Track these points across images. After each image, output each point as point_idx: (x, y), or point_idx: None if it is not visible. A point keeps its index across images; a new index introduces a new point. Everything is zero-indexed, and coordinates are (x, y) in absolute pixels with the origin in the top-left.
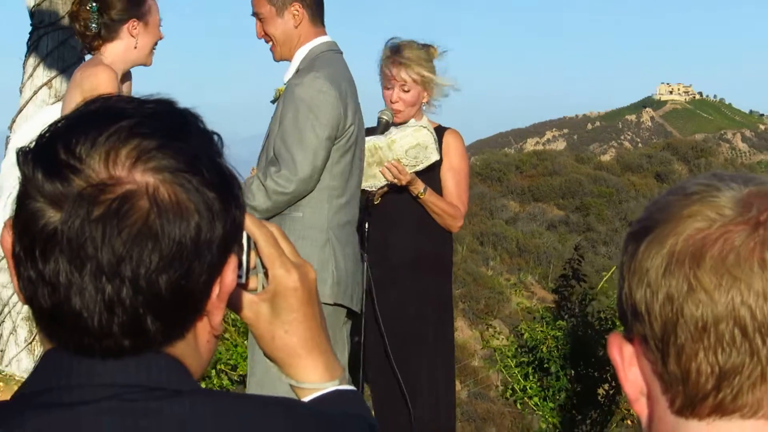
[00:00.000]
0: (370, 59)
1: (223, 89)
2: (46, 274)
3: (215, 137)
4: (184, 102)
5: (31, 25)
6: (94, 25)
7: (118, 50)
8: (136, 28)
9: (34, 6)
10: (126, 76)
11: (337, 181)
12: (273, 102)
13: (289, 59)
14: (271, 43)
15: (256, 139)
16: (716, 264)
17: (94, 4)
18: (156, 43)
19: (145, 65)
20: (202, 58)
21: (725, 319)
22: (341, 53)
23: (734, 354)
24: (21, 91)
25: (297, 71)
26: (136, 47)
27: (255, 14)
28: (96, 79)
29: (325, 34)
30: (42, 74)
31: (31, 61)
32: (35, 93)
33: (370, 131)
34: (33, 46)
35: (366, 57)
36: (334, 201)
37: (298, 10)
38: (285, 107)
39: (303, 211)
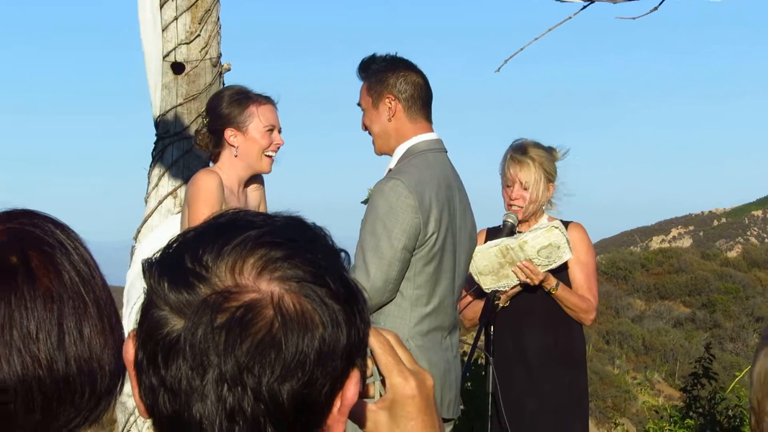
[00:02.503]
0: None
1: (319, 185)
2: (167, 380)
3: (342, 254)
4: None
5: (156, 134)
6: (204, 137)
7: (225, 159)
8: (235, 137)
9: (159, 116)
10: (255, 180)
11: (421, 289)
12: (364, 203)
13: (389, 154)
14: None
15: (348, 241)
16: None
17: (207, 118)
18: (269, 150)
19: (262, 172)
20: (297, 152)
21: None
22: (444, 152)
23: None
24: (146, 201)
25: (389, 171)
26: (236, 155)
27: (358, 105)
28: (194, 186)
29: (428, 130)
30: (167, 184)
31: (156, 170)
32: (160, 203)
33: (492, 231)
34: (158, 155)
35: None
36: (417, 310)
37: (391, 102)
38: (366, 213)
39: (384, 319)
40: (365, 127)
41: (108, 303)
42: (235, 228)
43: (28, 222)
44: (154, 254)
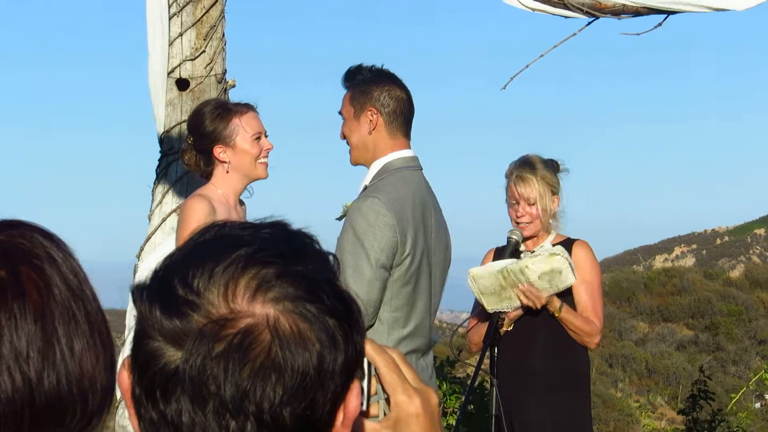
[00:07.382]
0: None
1: (292, 200)
2: (168, 415)
3: (330, 258)
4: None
5: (160, 152)
6: (192, 157)
7: (219, 175)
8: (224, 152)
9: (163, 133)
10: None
11: (398, 312)
12: (339, 219)
13: (365, 165)
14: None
15: None
16: None
17: (191, 138)
18: (260, 157)
19: (259, 179)
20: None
21: None
22: (420, 169)
23: None
24: (149, 219)
25: (365, 188)
26: (228, 171)
27: (339, 113)
28: (183, 213)
29: (406, 147)
30: (171, 201)
31: (160, 188)
32: (164, 220)
33: (500, 251)
34: (162, 173)
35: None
36: (395, 332)
37: (373, 116)
38: (343, 231)
39: None
40: (344, 136)
41: (98, 316)
42: (223, 246)
43: (18, 233)
44: (144, 279)
